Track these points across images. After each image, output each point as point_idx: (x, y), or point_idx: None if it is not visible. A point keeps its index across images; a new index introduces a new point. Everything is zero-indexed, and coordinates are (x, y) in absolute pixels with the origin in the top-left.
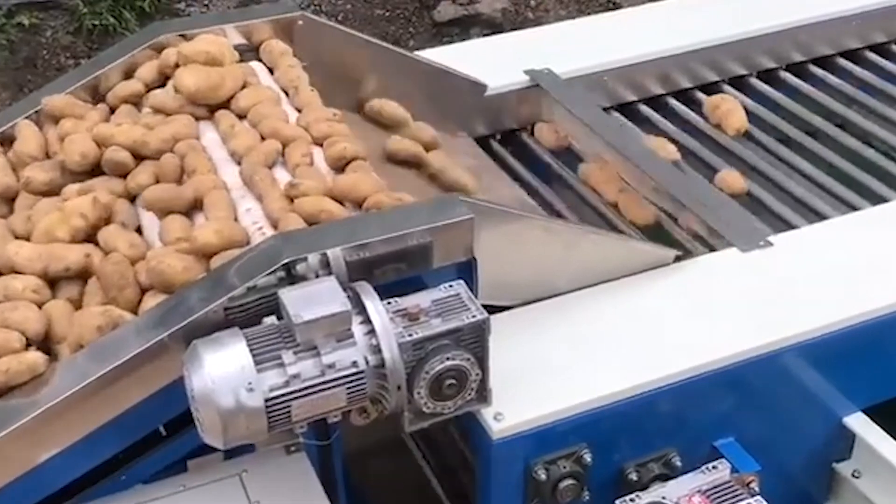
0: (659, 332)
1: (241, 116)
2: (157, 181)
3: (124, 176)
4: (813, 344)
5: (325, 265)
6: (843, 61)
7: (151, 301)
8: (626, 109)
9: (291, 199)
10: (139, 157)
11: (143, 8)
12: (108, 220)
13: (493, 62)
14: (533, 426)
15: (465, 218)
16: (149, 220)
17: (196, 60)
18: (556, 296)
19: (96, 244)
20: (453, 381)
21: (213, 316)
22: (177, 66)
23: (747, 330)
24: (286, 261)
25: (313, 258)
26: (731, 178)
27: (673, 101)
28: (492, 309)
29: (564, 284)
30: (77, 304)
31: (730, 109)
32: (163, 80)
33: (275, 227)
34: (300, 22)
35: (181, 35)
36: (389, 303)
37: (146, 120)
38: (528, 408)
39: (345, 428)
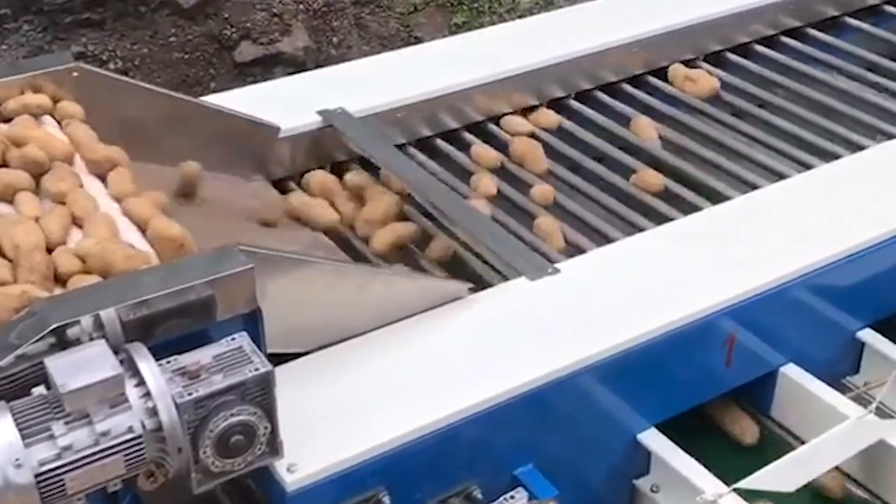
0: (453, 365)
1: None
2: None
3: None
4: (602, 364)
5: (100, 327)
6: (628, 87)
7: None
8: (423, 144)
9: None
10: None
11: None
12: None
13: (292, 102)
14: (328, 474)
15: (245, 268)
16: None
17: None
18: (352, 338)
19: None
20: (241, 437)
21: None
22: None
23: (540, 356)
24: (55, 325)
25: (86, 321)
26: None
27: (468, 135)
28: (287, 356)
29: (361, 326)
30: None
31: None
32: None
33: None
34: (75, 74)
35: None
36: (169, 362)
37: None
38: (323, 455)
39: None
